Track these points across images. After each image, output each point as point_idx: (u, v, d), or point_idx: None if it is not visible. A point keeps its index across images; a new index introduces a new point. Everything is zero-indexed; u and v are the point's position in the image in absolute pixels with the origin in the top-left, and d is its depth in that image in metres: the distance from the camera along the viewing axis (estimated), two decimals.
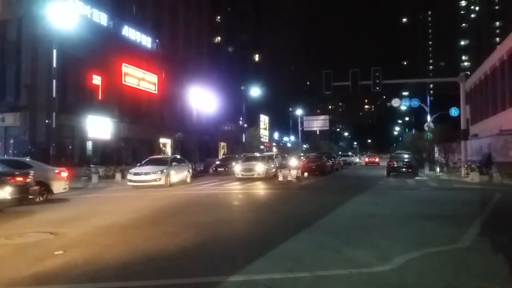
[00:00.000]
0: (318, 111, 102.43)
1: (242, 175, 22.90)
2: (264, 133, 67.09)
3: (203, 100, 44.30)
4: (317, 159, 29.51)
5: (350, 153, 64.71)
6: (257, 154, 28.45)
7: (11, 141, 26.50)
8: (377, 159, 54.04)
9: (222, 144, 52.98)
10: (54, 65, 19.73)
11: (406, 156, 29.03)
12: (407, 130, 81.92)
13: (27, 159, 14.78)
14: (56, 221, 9.42)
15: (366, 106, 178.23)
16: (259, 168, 23.21)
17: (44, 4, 21.81)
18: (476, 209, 10.77)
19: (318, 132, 72.86)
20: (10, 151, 25.79)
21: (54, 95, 19.94)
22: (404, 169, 25.78)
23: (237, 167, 23.85)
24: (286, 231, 7.96)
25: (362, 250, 6.39)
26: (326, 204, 12.21)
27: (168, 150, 39.53)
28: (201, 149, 40.15)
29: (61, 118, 23.73)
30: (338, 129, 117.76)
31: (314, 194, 16.06)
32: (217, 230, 8.34)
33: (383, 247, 6.54)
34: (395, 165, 26.32)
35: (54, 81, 19.88)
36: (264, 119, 68.03)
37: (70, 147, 28.58)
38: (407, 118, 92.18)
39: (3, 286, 4.88)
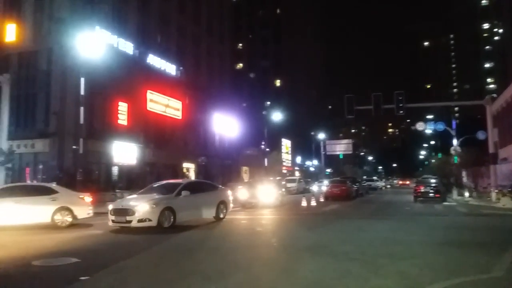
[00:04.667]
0: (341, 135, 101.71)
1: (113, 221, 11.98)
2: (286, 157, 66.84)
3: (225, 125, 44.90)
4: (341, 184, 29.08)
5: (375, 178, 63.79)
6: (178, 181, 15.27)
7: (40, 166, 27.23)
8: (408, 182, 73.56)
9: (245, 168, 53.03)
10: (82, 92, 20.30)
11: (433, 180, 28.29)
12: (433, 154, 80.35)
13: (53, 185, 15.07)
14: (80, 246, 9.49)
15: (390, 130, 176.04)
16: (142, 207, 11.73)
17: (73, 35, 22.75)
18: (509, 236, 10.30)
19: (341, 156, 72.11)
20: (39, 176, 26.47)
21: (81, 121, 20.45)
22: (431, 194, 25.08)
23: (111, 206, 12.44)
24: (311, 258, 7.79)
25: (390, 278, 6.16)
26: (352, 231, 11.93)
27: (192, 174, 39.85)
28: (223, 174, 40.28)
29: (88, 144, 24.28)
30: (362, 153, 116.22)
31: (339, 220, 15.72)
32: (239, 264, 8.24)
33: (413, 276, 6.29)
34: (422, 190, 25.66)
35: (81, 108, 20.42)
36: (286, 143, 67.96)
37: (97, 172, 29.11)
38: (432, 142, 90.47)
39: None
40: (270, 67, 74.50)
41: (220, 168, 41.38)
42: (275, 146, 57.14)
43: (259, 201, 20.64)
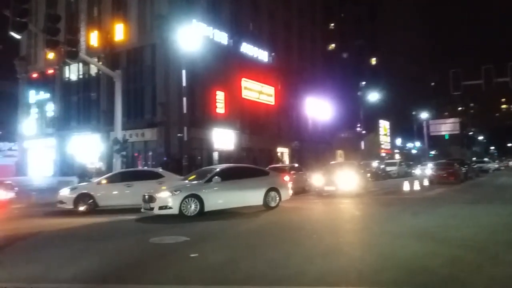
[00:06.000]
0: (446, 113, 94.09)
1: (143, 207, 11.90)
2: (384, 140, 64.08)
3: (318, 108, 44.46)
4: (448, 166, 27.16)
5: (486, 159, 58.37)
6: (216, 167, 14.70)
7: (150, 153, 29.83)
8: None
9: (339, 152, 52.04)
10: (184, 84, 21.56)
11: None
12: None
13: (160, 170, 16.31)
14: (188, 227, 10.20)
15: (504, 106, 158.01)
16: (163, 194, 11.57)
17: (173, 30, 24.22)
18: None
19: (447, 137, 66.90)
20: (149, 163, 29.09)
21: (184, 111, 21.74)
22: None
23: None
24: (416, 244, 7.44)
25: (510, 267, 5.63)
26: (461, 216, 11.11)
27: (286, 159, 40.36)
28: (317, 158, 39.99)
29: (191, 131, 25.76)
30: (470, 133, 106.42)
31: (446, 204, 14.69)
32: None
33: None
34: None
35: (184, 98, 21.70)
36: (384, 125, 65.03)
37: (199, 157, 30.94)
38: None
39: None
40: (365, 45, 71.25)
41: (314, 152, 41.16)
42: (372, 128, 55.03)
43: (338, 188, 18.00)
